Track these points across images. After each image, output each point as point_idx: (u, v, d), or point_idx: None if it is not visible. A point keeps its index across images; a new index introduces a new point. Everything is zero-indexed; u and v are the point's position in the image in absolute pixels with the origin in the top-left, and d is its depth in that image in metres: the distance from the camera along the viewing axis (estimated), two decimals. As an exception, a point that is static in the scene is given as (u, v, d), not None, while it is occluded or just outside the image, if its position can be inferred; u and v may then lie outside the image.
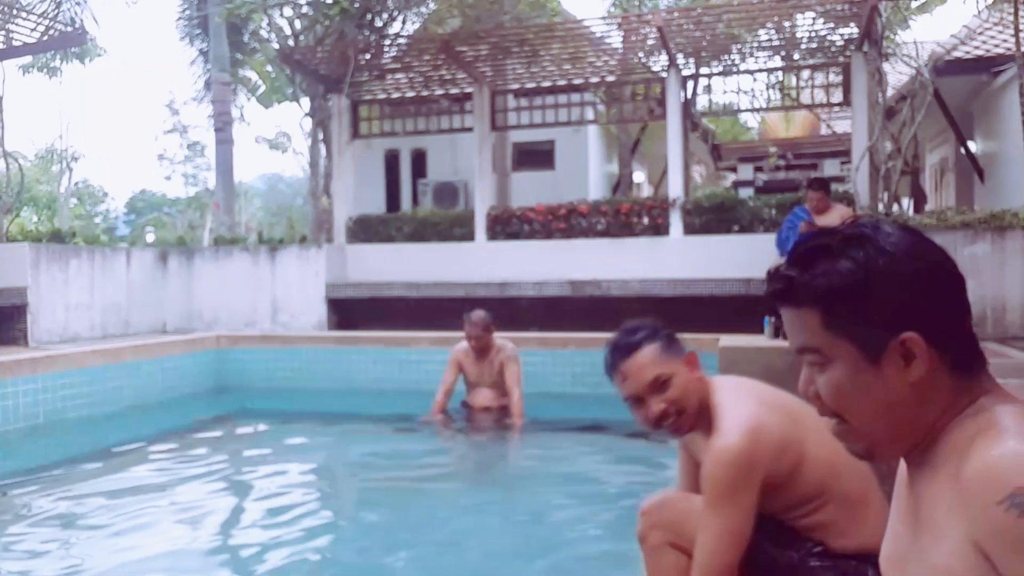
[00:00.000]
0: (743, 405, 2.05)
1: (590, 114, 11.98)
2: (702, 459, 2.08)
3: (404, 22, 11.72)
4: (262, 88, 18.88)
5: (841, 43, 9.35)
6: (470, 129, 10.58)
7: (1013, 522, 0.87)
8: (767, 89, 10.06)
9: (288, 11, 11.35)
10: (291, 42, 11.25)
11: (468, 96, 10.61)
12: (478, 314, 6.04)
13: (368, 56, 10.27)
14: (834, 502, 2.02)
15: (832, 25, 9.11)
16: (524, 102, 10.81)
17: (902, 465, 1.12)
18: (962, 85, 11.23)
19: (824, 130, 17.52)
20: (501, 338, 6.16)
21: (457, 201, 13.83)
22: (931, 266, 1.01)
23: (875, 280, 1.00)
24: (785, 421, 2.03)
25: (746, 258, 8.38)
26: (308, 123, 11.19)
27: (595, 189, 15.41)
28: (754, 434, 1.98)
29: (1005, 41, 10.15)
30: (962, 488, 0.93)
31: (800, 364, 1.10)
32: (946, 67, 10.11)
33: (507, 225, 9.94)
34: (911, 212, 11.56)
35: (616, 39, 10.10)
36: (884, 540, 1.14)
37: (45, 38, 9.62)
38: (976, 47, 10.75)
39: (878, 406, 1.02)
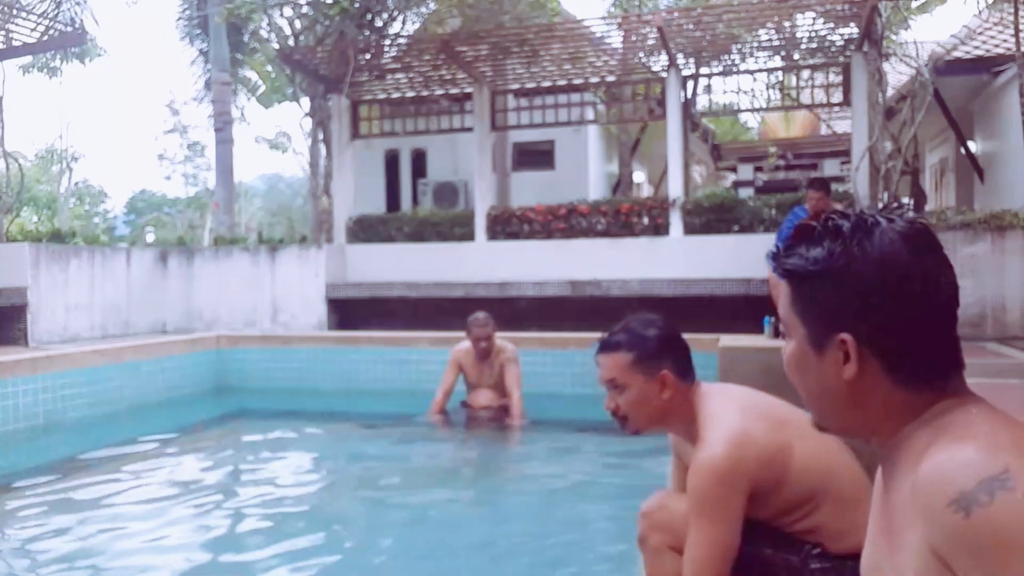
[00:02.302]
0: (728, 416, 2.06)
1: (590, 114, 11.98)
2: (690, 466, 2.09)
3: (404, 22, 11.71)
4: (262, 88, 18.88)
5: (841, 43, 9.35)
6: (470, 129, 10.58)
7: (962, 524, 0.87)
8: (767, 89, 10.06)
9: (288, 11, 11.34)
10: (291, 42, 11.24)
11: (468, 96, 10.61)
12: (482, 315, 6.04)
13: (368, 56, 10.26)
14: (828, 504, 2.02)
15: (832, 25, 9.11)
16: (524, 102, 10.81)
17: (879, 473, 1.12)
18: (962, 85, 11.23)
19: (824, 130, 17.52)
20: (501, 339, 6.17)
21: (457, 201, 13.83)
22: (897, 277, 1.00)
23: (831, 275, 1.03)
24: (771, 429, 2.04)
25: (746, 258, 8.38)
26: (308, 123, 11.18)
27: (595, 189, 15.40)
28: (738, 445, 1.99)
29: (1005, 41, 10.15)
30: (915, 495, 0.93)
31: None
32: (946, 67, 10.11)
33: (507, 225, 9.94)
34: (911, 212, 11.56)
35: (616, 39, 10.10)
36: (864, 548, 1.13)
37: (45, 38, 9.61)
38: (976, 47, 10.75)
39: (815, 390, 1.08)
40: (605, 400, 2.23)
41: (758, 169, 17.49)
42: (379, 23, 11.18)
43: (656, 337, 2.18)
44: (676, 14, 9.92)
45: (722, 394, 2.18)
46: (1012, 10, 8.27)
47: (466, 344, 6.10)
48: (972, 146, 12.37)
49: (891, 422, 1.04)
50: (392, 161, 16.33)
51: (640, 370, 2.15)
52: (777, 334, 6.34)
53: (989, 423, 0.96)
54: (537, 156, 15.52)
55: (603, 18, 10.45)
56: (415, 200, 15.27)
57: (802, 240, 1.08)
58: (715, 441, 2.01)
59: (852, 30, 9.00)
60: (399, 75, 10.69)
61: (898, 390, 1.02)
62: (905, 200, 11.86)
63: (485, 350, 6.02)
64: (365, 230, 10.45)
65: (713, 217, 9.21)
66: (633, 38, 9.75)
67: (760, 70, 10.01)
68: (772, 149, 15.57)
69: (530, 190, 13.50)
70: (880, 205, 8.71)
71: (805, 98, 10.63)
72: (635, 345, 2.16)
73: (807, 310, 1.07)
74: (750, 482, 1.99)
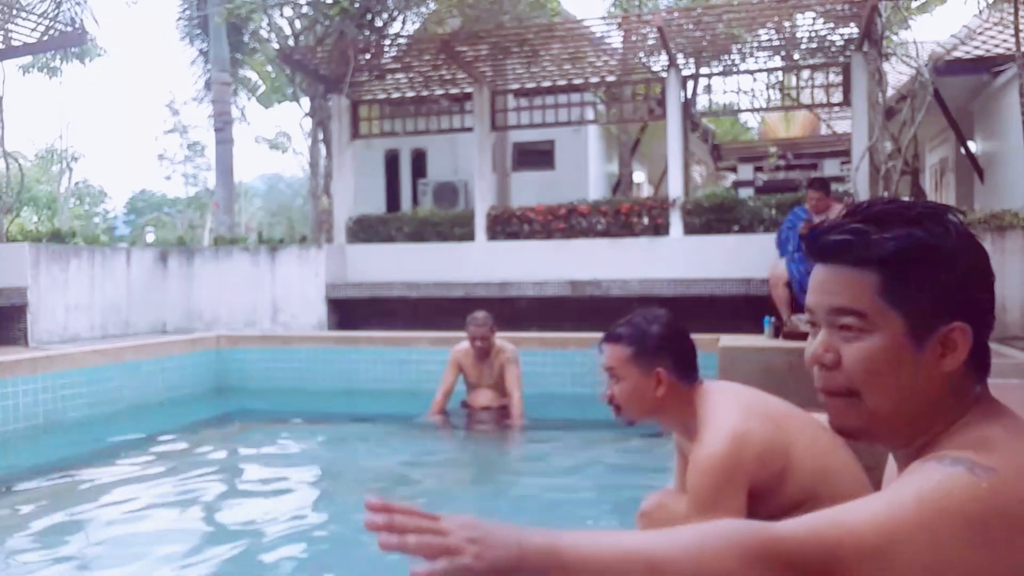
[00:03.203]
0: (727, 413, 2.08)
1: (590, 114, 11.98)
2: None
3: (404, 22, 11.71)
4: (262, 88, 18.88)
5: (841, 43, 9.35)
6: (470, 129, 10.58)
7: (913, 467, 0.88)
8: (767, 89, 10.06)
9: (288, 11, 11.34)
10: (291, 42, 11.24)
11: (468, 96, 10.61)
12: (481, 314, 6.05)
13: (368, 56, 10.26)
14: (826, 505, 2.01)
15: (832, 25, 9.11)
16: (524, 102, 10.80)
17: (889, 472, 1.10)
18: (962, 85, 11.23)
19: (824, 130, 17.51)
20: (502, 339, 6.17)
21: (457, 201, 13.83)
22: (987, 265, 0.99)
23: (947, 258, 0.96)
24: (770, 428, 2.05)
25: (746, 258, 8.38)
26: (308, 123, 11.18)
27: (595, 189, 15.40)
28: (737, 442, 2.00)
29: (1005, 41, 10.15)
30: None
31: (823, 327, 1.04)
32: (946, 67, 10.11)
33: (507, 225, 9.93)
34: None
35: (616, 39, 10.10)
36: None
37: (45, 38, 9.61)
38: (976, 47, 10.75)
39: (903, 387, 0.97)
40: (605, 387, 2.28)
41: (758, 169, 17.49)
42: (379, 23, 11.18)
43: (657, 335, 2.19)
44: (676, 14, 9.91)
45: (723, 392, 2.19)
46: (1012, 10, 8.27)
47: (466, 344, 6.11)
48: (972, 146, 12.37)
49: (947, 418, 0.98)
50: (392, 161, 16.33)
51: (636, 365, 2.18)
52: (777, 334, 6.33)
53: (1016, 443, 0.93)
54: (537, 156, 15.52)
55: (603, 18, 10.45)
56: (415, 200, 15.27)
57: (890, 223, 0.98)
58: (715, 438, 2.03)
59: (852, 30, 9.00)
60: (399, 75, 10.69)
61: (969, 384, 0.98)
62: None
63: (481, 349, 6.02)
64: (365, 230, 10.45)
65: (713, 217, 9.21)
66: (633, 38, 9.74)
67: (760, 70, 10.01)
68: (772, 149, 15.57)
69: (530, 190, 13.50)
70: None
71: (805, 98, 10.63)
72: (635, 340, 2.20)
73: (908, 297, 0.96)
74: (749, 480, 2.00)
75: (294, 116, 47.26)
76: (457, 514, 0.95)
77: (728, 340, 5.92)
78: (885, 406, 0.99)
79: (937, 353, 0.96)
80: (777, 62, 10.13)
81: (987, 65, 10.68)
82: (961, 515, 0.84)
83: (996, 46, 10.46)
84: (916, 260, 0.96)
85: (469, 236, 10.01)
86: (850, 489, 2.03)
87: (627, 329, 2.22)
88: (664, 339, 2.20)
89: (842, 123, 14.44)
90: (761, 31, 9.42)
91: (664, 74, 9.77)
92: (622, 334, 2.22)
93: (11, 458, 5.67)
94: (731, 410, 2.09)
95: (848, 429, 1.04)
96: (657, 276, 8.77)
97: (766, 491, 2.02)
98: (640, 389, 2.18)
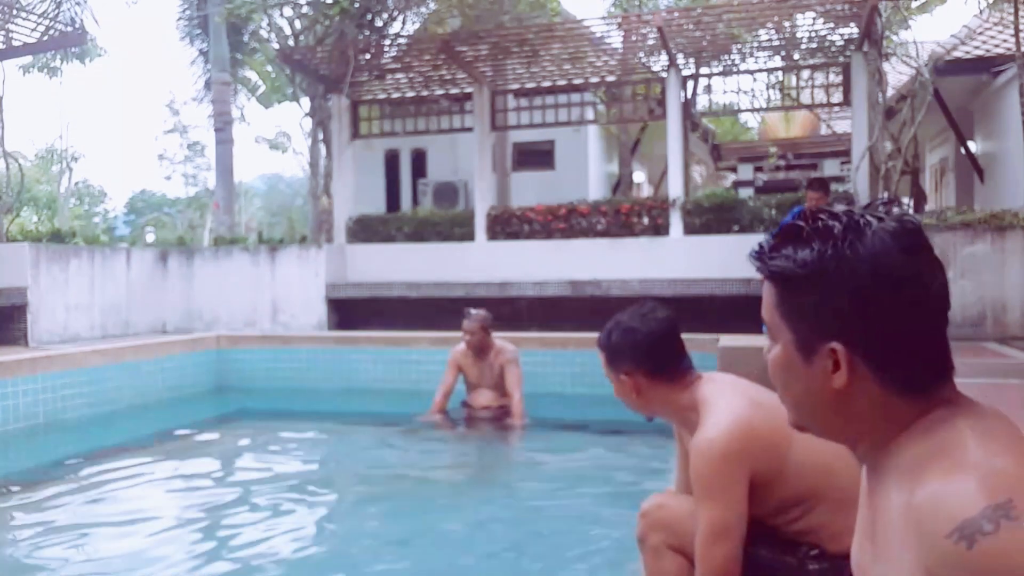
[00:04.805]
0: (730, 401, 2.08)
1: (590, 114, 11.98)
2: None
3: (404, 22, 11.73)
4: (262, 88, 18.88)
5: (841, 43, 9.35)
6: (470, 129, 10.58)
7: (965, 554, 0.85)
8: (767, 89, 10.06)
9: (288, 11, 11.34)
10: (291, 42, 11.24)
11: (468, 96, 10.61)
12: (478, 313, 6.05)
13: (368, 56, 10.27)
14: (826, 504, 2.02)
15: (832, 25, 9.12)
16: (524, 102, 10.81)
17: (863, 474, 1.10)
18: (962, 85, 11.24)
19: (824, 130, 17.53)
20: (502, 340, 6.15)
21: (457, 201, 13.83)
22: (890, 281, 0.95)
23: (821, 280, 0.97)
24: (773, 421, 2.03)
25: (746, 258, 8.36)
26: (308, 123, 11.19)
27: (595, 189, 15.41)
28: (738, 428, 2.00)
29: (1005, 41, 10.16)
30: (913, 519, 0.90)
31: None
32: (946, 67, 10.12)
33: (507, 225, 9.94)
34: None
35: (616, 39, 10.10)
36: (852, 545, 1.12)
37: (45, 38, 9.62)
38: (976, 47, 10.76)
39: (801, 396, 1.03)
40: None
41: (758, 169, 17.49)
42: (379, 23, 11.19)
43: (613, 343, 2.22)
44: (676, 14, 9.92)
45: (724, 383, 2.19)
46: (1012, 10, 8.27)
47: (465, 344, 6.10)
48: (972, 146, 12.37)
49: (879, 431, 1.00)
50: (392, 161, 16.34)
51: (610, 369, 2.25)
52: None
53: (986, 445, 0.92)
54: (537, 156, 15.53)
55: (603, 18, 10.45)
56: (415, 200, 15.27)
57: (789, 240, 1.01)
58: (716, 421, 2.03)
59: (852, 30, 9.00)
60: (399, 75, 10.69)
61: (889, 398, 0.98)
62: (905, 200, 11.86)
63: (471, 345, 6.02)
64: (365, 230, 10.46)
65: (713, 217, 9.21)
66: (633, 38, 9.75)
67: (760, 70, 10.01)
68: (772, 149, 15.56)
69: (530, 190, 13.50)
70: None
71: (805, 98, 10.63)
72: (603, 347, 2.26)
73: (794, 314, 1.00)
74: (751, 463, 1.99)
75: (294, 116, 47.27)
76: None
77: (728, 340, 5.92)
78: (792, 407, 1.05)
79: (827, 369, 0.98)
80: (777, 62, 10.14)
81: (987, 65, 10.69)
82: None
83: (996, 46, 10.47)
84: (795, 280, 0.99)
85: (469, 236, 10.01)
86: (851, 491, 2.01)
87: (601, 336, 2.27)
88: (620, 346, 2.20)
89: (842, 123, 14.45)
90: (761, 31, 9.43)
91: (664, 74, 9.77)
92: (597, 340, 2.28)
93: (11, 458, 5.67)
94: (733, 399, 2.09)
95: (790, 421, 1.09)
96: (657, 276, 8.77)
97: (766, 483, 2.01)
98: (621, 390, 2.25)
